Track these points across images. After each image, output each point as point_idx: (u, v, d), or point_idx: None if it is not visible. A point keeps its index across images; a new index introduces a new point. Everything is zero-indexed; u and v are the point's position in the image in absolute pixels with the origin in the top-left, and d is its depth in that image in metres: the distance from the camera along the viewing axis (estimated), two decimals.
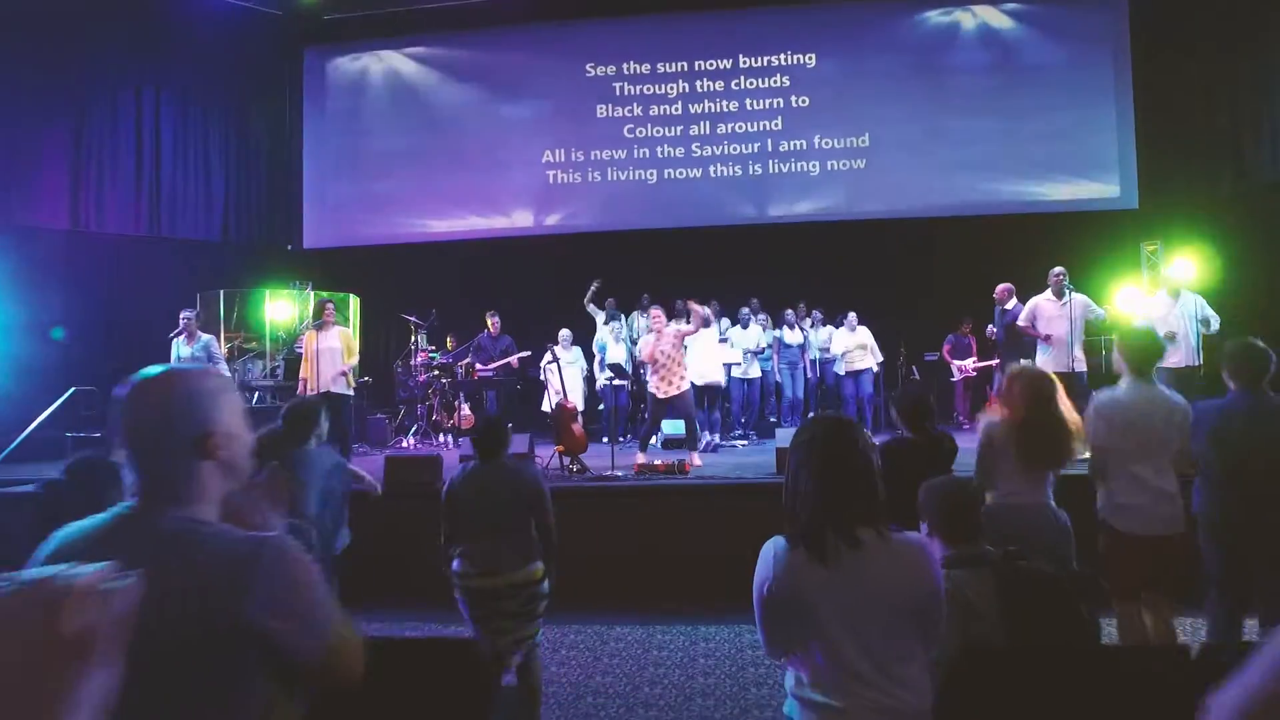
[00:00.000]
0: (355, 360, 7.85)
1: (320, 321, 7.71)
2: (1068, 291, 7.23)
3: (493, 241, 12.40)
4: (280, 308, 11.25)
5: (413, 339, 10.57)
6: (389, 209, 12.74)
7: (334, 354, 7.68)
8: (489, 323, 10.21)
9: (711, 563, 6.02)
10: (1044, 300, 7.39)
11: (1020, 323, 7.47)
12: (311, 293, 11.30)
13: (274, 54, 12.78)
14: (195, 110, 12.18)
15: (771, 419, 10.61)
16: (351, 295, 11.47)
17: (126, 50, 11.46)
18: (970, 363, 10.90)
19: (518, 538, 3.70)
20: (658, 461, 6.99)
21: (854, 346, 9.99)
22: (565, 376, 9.67)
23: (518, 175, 12.50)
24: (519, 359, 9.91)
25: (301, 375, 7.82)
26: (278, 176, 13.01)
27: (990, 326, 9.08)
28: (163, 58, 11.77)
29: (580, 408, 9.71)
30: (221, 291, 10.57)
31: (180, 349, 7.72)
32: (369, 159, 12.77)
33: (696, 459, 7.32)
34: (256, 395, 10.28)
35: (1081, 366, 7.07)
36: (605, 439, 9.65)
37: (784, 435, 6.70)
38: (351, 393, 7.82)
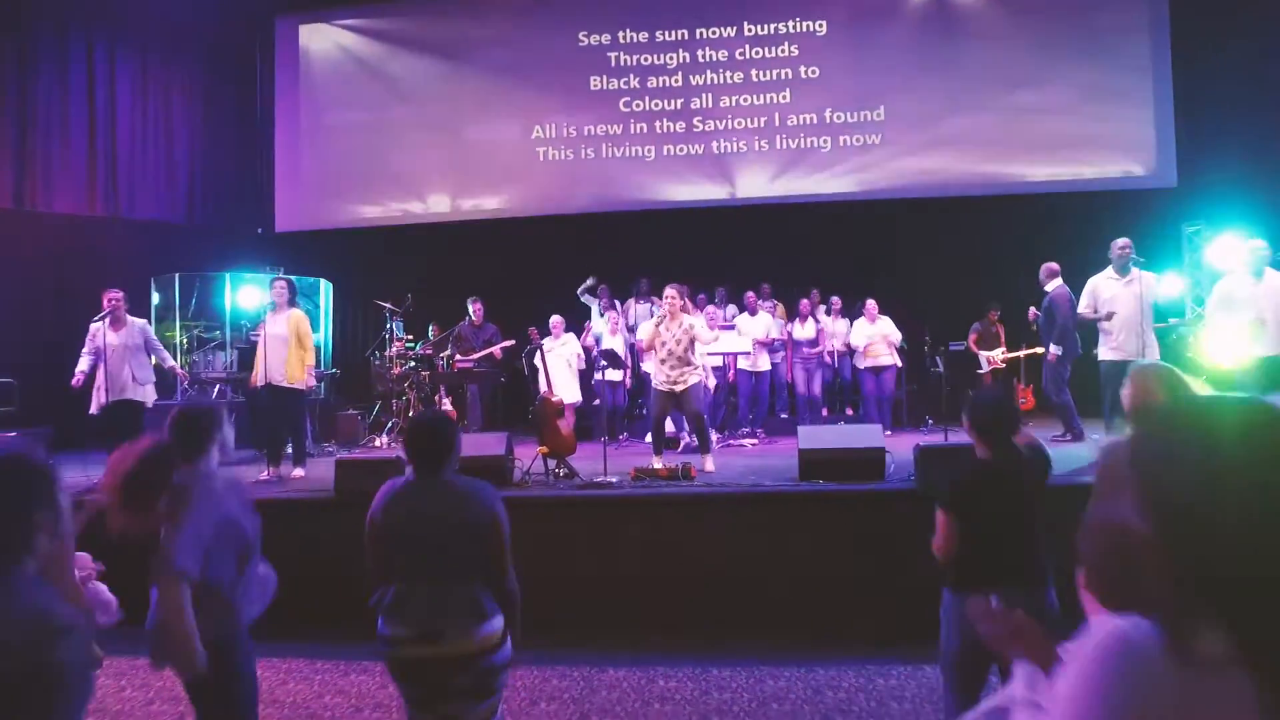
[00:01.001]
0: (309, 352, 6.71)
1: (271, 304, 6.58)
2: (1133, 267, 6.13)
3: (479, 223, 11.28)
4: (249, 294, 10.12)
5: (387, 327, 9.44)
6: (368, 189, 11.62)
7: (280, 341, 6.55)
8: (471, 310, 9.10)
9: (724, 588, 4.94)
10: (1104, 279, 6.29)
11: (1081, 310, 6.37)
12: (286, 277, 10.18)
13: (241, 22, 11.63)
14: (155, 85, 11.01)
15: (783, 415, 9.50)
16: (322, 280, 10.34)
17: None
18: (999, 353, 9.79)
19: (467, 587, 2.59)
20: (659, 465, 5.87)
21: (875, 338, 8.87)
22: (554, 368, 8.58)
23: (505, 153, 11.38)
24: (502, 349, 8.80)
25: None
26: (248, 155, 11.88)
27: (1032, 310, 8.00)
28: (116, 12, 10.58)
29: (575, 401, 8.62)
30: (178, 275, 9.42)
31: (108, 336, 6.61)
32: (346, 136, 11.64)
33: (708, 463, 6.23)
34: (217, 389, 9.17)
35: (1155, 353, 5.93)
36: (604, 439, 8.57)
37: (808, 434, 5.59)
38: (304, 387, 6.68)
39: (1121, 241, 6.21)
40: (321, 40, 11.84)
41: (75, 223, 10.30)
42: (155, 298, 10.07)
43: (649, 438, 6.90)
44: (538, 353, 6.30)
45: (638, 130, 11.18)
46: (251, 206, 11.81)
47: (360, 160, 11.60)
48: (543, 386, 6.39)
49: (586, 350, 9.01)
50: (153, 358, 6.91)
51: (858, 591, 4.88)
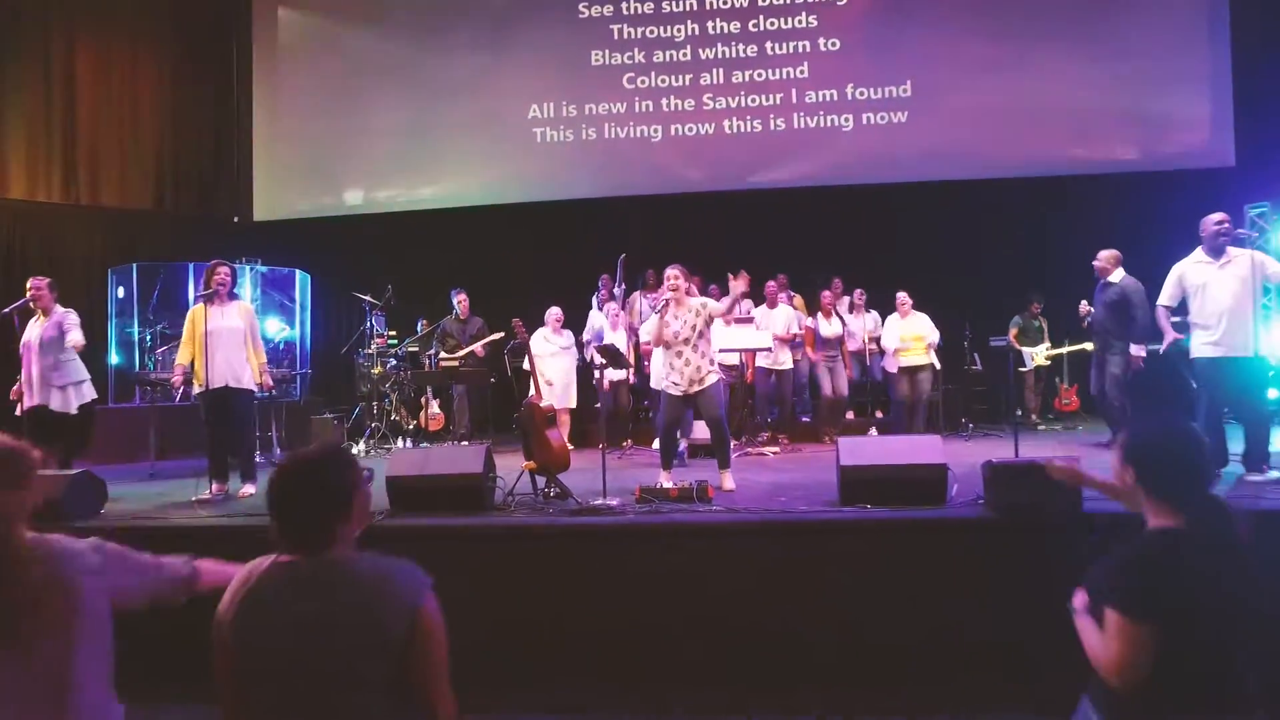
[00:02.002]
0: (261, 348, 5.69)
1: (210, 291, 5.53)
2: (1233, 248, 5.06)
3: (472, 210, 10.23)
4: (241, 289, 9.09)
5: (367, 323, 8.41)
6: (351, 176, 10.61)
7: (233, 336, 5.53)
8: (455, 302, 8.08)
9: (750, 641, 3.90)
10: (1192, 264, 5.22)
11: (1163, 302, 5.30)
12: (260, 269, 9.17)
13: (217, 1, 10.63)
14: (121, 66, 9.99)
15: (804, 419, 8.44)
16: (297, 272, 9.32)
17: None
18: (1043, 350, 8.73)
19: None
20: (668, 484, 4.82)
21: (909, 337, 7.79)
22: (551, 368, 7.55)
23: (500, 134, 10.35)
24: (486, 345, 7.75)
25: (178, 363, 5.64)
26: (225, 140, 10.85)
27: (1084, 304, 6.93)
28: None
29: (569, 405, 7.57)
30: (135, 265, 8.39)
31: (31, 329, 5.58)
32: (329, 119, 10.60)
33: (727, 480, 5.18)
34: (180, 393, 8.14)
35: (1272, 347, 4.84)
36: (603, 445, 7.54)
37: (851, 448, 4.51)
38: (261, 389, 5.65)
39: (1216, 217, 5.12)
40: (301, 19, 10.81)
41: (28, 209, 9.30)
42: (120, 290, 9.08)
43: (656, 444, 5.83)
44: (524, 349, 5.21)
45: (643, 109, 10.13)
46: (228, 194, 10.80)
47: (344, 145, 10.58)
48: (538, 390, 5.33)
49: (583, 347, 7.99)
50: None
51: (917, 648, 3.84)
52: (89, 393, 6.09)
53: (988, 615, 3.87)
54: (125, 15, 10.05)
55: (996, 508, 4.07)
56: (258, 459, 7.50)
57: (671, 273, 5.27)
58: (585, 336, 8.18)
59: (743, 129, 10.02)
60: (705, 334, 5.23)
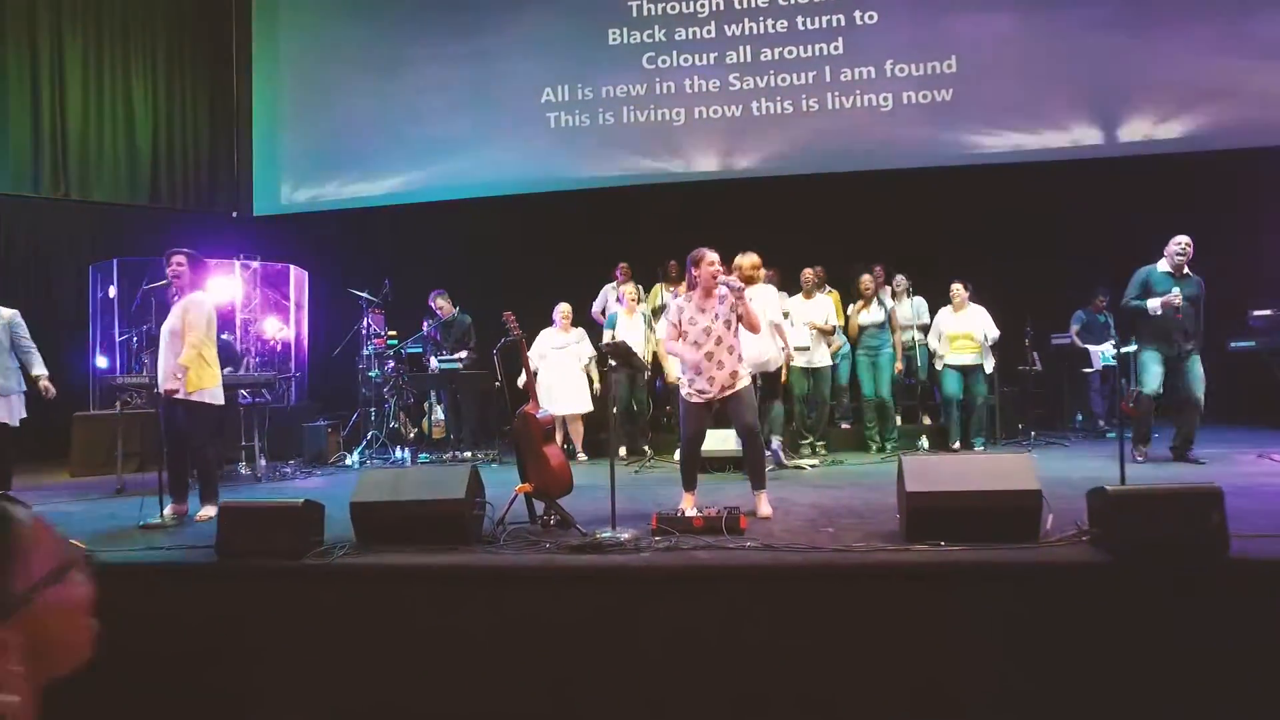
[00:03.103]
0: (209, 350, 4.83)
1: (162, 284, 4.74)
2: None
3: (481, 201, 9.39)
4: (216, 284, 8.35)
5: (364, 321, 7.60)
6: (355, 169, 9.84)
7: (174, 337, 4.71)
8: (436, 307, 7.26)
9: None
10: None
11: None
12: (258, 265, 8.41)
13: None
14: (112, 59, 9.28)
15: (844, 425, 7.49)
16: (292, 268, 8.53)
17: None
18: (1109, 347, 7.69)
19: None
20: (691, 511, 3.92)
21: (959, 335, 6.83)
22: (559, 371, 6.69)
23: (512, 119, 9.51)
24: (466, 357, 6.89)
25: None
26: (224, 132, 10.13)
27: (1175, 294, 5.92)
28: None
29: (587, 410, 6.70)
30: (116, 261, 7.65)
31: None
32: (333, 109, 9.87)
33: (762, 505, 4.26)
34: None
35: None
36: (615, 456, 6.65)
37: (918, 469, 3.57)
38: (208, 399, 4.79)
39: None
40: (302, 3, 10.06)
41: (15, 204, 8.62)
42: (112, 290, 8.35)
43: (678, 454, 4.91)
44: (517, 348, 4.31)
45: (664, 90, 9.26)
46: (226, 187, 10.07)
47: (348, 136, 9.81)
48: (534, 398, 4.44)
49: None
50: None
51: None
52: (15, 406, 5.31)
53: (1098, 684, 2.93)
54: (117, 19, 9.33)
55: (1110, 546, 3.12)
56: (243, 471, 6.79)
57: (710, 256, 4.29)
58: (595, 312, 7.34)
59: (772, 111, 9.10)
60: (735, 332, 4.33)
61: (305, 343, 8.81)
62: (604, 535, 3.65)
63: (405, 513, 3.73)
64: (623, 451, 7.03)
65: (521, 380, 6.76)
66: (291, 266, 8.59)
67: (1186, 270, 5.71)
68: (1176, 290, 5.64)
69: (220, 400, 4.92)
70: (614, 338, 6.57)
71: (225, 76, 10.05)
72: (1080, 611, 3.08)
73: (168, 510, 4.68)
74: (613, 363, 3.97)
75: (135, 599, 3.51)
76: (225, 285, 8.37)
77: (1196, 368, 5.64)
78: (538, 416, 4.08)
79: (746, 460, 4.42)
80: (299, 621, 3.48)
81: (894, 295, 7.54)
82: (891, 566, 3.24)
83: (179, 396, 4.63)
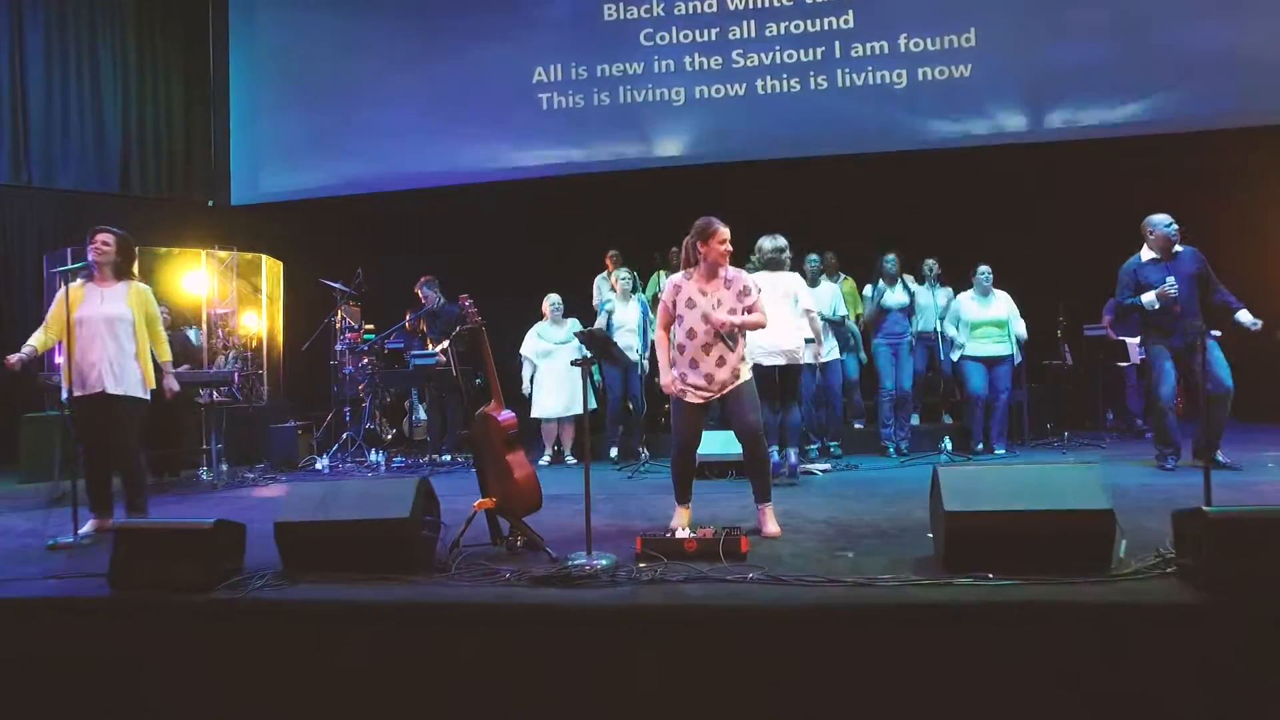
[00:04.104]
0: (162, 343, 4.25)
1: (80, 265, 4.11)
2: None
3: (470, 188, 8.76)
4: (195, 279, 7.78)
5: (337, 314, 6.96)
6: (338, 155, 9.17)
7: (119, 327, 4.09)
8: (423, 295, 6.62)
9: None
10: None
11: None
12: (233, 255, 7.80)
13: None
14: (78, 40, 8.66)
15: (857, 425, 6.82)
16: (264, 258, 7.91)
17: None
18: None
19: None
20: (683, 532, 3.25)
21: (986, 321, 6.15)
22: (550, 368, 6.06)
23: (502, 101, 8.85)
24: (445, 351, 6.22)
25: (29, 344, 4.14)
26: (199, 117, 9.50)
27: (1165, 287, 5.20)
28: None
29: (576, 413, 6.06)
30: (70, 250, 7.03)
31: None
32: (317, 87, 9.21)
33: (768, 522, 3.61)
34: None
35: None
36: (618, 464, 6.05)
37: (955, 482, 2.90)
38: (145, 394, 4.18)
39: None
40: None
41: None
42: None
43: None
44: (477, 339, 3.61)
45: (663, 69, 8.59)
46: (202, 175, 9.45)
47: (329, 120, 9.16)
48: (497, 397, 3.73)
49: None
50: None
51: None
52: None
53: None
54: None
55: (1206, 582, 2.45)
56: (202, 475, 6.16)
57: (723, 233, 3.59)
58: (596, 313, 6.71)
59: (778, 89, 8.43)
60: (734, 314, 3.66)
61: (280, 338, 8.18)
62: (576, 563, 2.99)
63: (338, 535, 3.09)
64: (614, 453, 6.39)
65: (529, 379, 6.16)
66: (264, 257, 7.96)
67: (1177, 248, 5.02)
68: (1170, 280, 4.92)
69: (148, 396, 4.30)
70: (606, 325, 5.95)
71: (200, 56, 9.43)
72: (1170, 665, 2.41)
73: (87, 527, 4.06)
74: (587, 353, 3.29)
75: (6, 641, 2.88)
76: (196, 277, 7.79)
77: (1216, 352, 4.93)
78: (500, 418, 3.41)
79: (749, 469, 3.75)
80: (206, 668, 2.85)
81: (920, 281, 6.76)
82: (928, 607, 2.57)
83: (118, 392, 4.02)
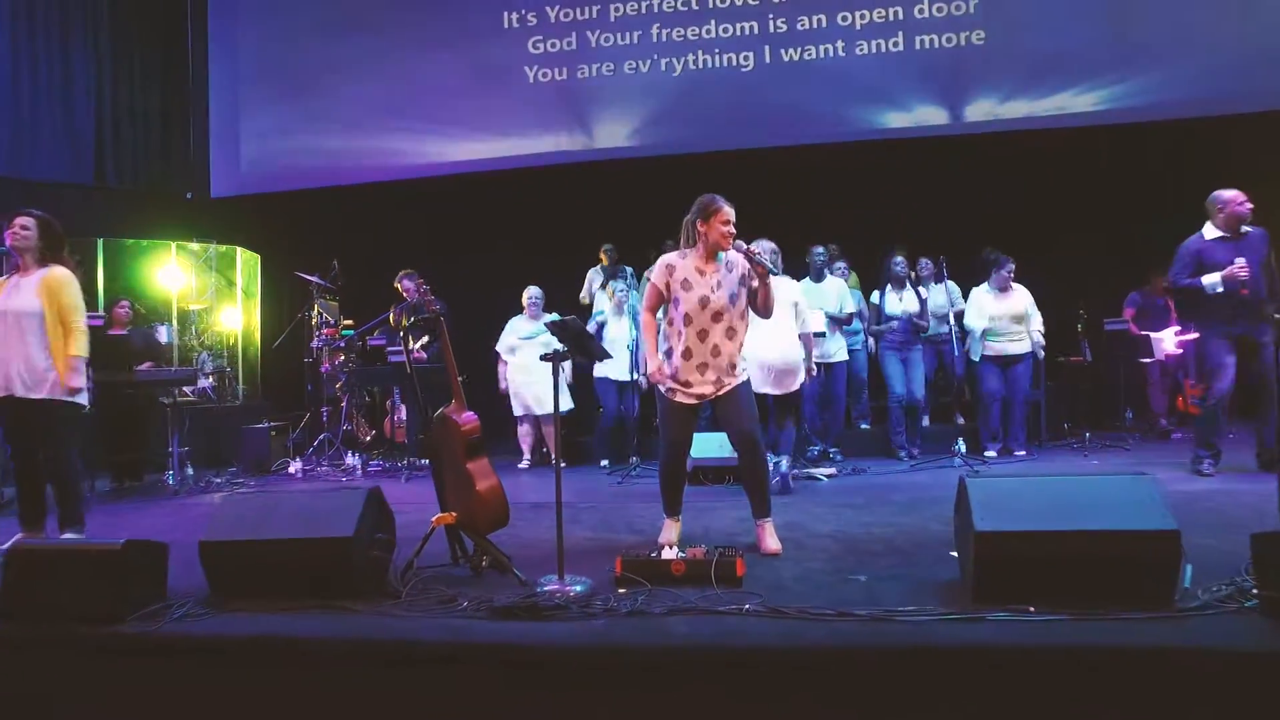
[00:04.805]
0: (77, 337, 3.79)
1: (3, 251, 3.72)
2: None
3: (456, 176, 8.32)
4: (171, 273, 7.38)
5: (313, 308, 6.53)
6: (321, 143, 8.68)
7: (25, 322, 3.67)
8: (401, 289, 6.19)
9: None
10: None
11: None
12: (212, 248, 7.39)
13: None
14: (46, 25, 8.24)
15: (864, 426, 6.38)
16: (240, 251, 7.49)
17: None
18: (1172, 334, 6.54)
19: None
20: (670, 552, 2.81)
21: (1004, 316, 5.70)
22: (527, 365, 5.64)
23: (485, 76, 8.37)
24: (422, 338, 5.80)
25: None
26: (177, 106, 9.08)
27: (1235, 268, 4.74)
28: None
29: (567, 409, 5.63)
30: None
31: None
32: (301, 73, 8.74)
33: (768, 538, 3.18)
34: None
35: None
36: (609, 469, 5.62)
37: (984, 494, 2.47)
38: (68, 396, 3.74)
39: None
40: None
41: None
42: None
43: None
44: (434, 328, 3.17)
45: (660, 38, 8.09)
46: (181, 167, 9.03)
47: (312, 108, 8.71)
48: (459, 397, 3.26)
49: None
50: None
51: None
52: None
53: None
54: None
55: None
56: (170, 482, 5.73)
57: (727, 212, 3.16)
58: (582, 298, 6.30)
59: (780, 61, 7.88)
60: (744, 313, 3.23)
61: (256, 334, 7.75)
62: (546, 589, 2.56)
63: (273, 556, 2.67)
64: (605, 464, 5.95)
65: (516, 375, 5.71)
66: (239, 249, 7.54)
67: (1245, 228, 4.56)
68: (1241, 260, 4.45)
69: (87, 399, 3.88)
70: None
71: (179, 43, 8.99)
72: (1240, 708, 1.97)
73: (8, 544, 3.62)
74: (560, 347, 2.86)
75: None
76: (168, 271, 7.38)
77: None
78: (460, 420, 2.98)
79: (745, 481, 3.31)
80: (113, 712, 2.43)
81: (918, 280, 6.31)
82: (957, 648, 2.14)
83: (33, 396, 3.60)
